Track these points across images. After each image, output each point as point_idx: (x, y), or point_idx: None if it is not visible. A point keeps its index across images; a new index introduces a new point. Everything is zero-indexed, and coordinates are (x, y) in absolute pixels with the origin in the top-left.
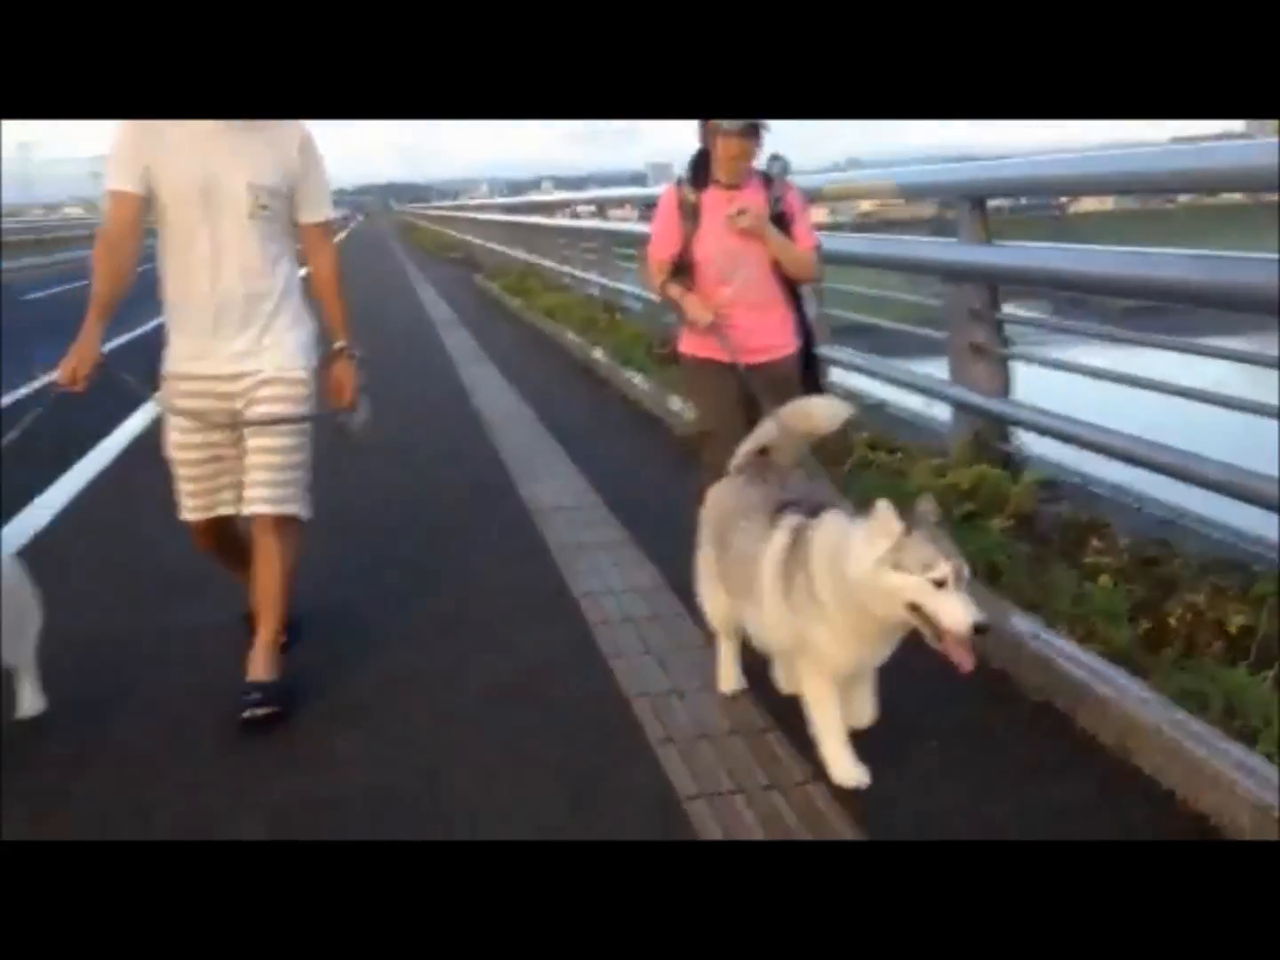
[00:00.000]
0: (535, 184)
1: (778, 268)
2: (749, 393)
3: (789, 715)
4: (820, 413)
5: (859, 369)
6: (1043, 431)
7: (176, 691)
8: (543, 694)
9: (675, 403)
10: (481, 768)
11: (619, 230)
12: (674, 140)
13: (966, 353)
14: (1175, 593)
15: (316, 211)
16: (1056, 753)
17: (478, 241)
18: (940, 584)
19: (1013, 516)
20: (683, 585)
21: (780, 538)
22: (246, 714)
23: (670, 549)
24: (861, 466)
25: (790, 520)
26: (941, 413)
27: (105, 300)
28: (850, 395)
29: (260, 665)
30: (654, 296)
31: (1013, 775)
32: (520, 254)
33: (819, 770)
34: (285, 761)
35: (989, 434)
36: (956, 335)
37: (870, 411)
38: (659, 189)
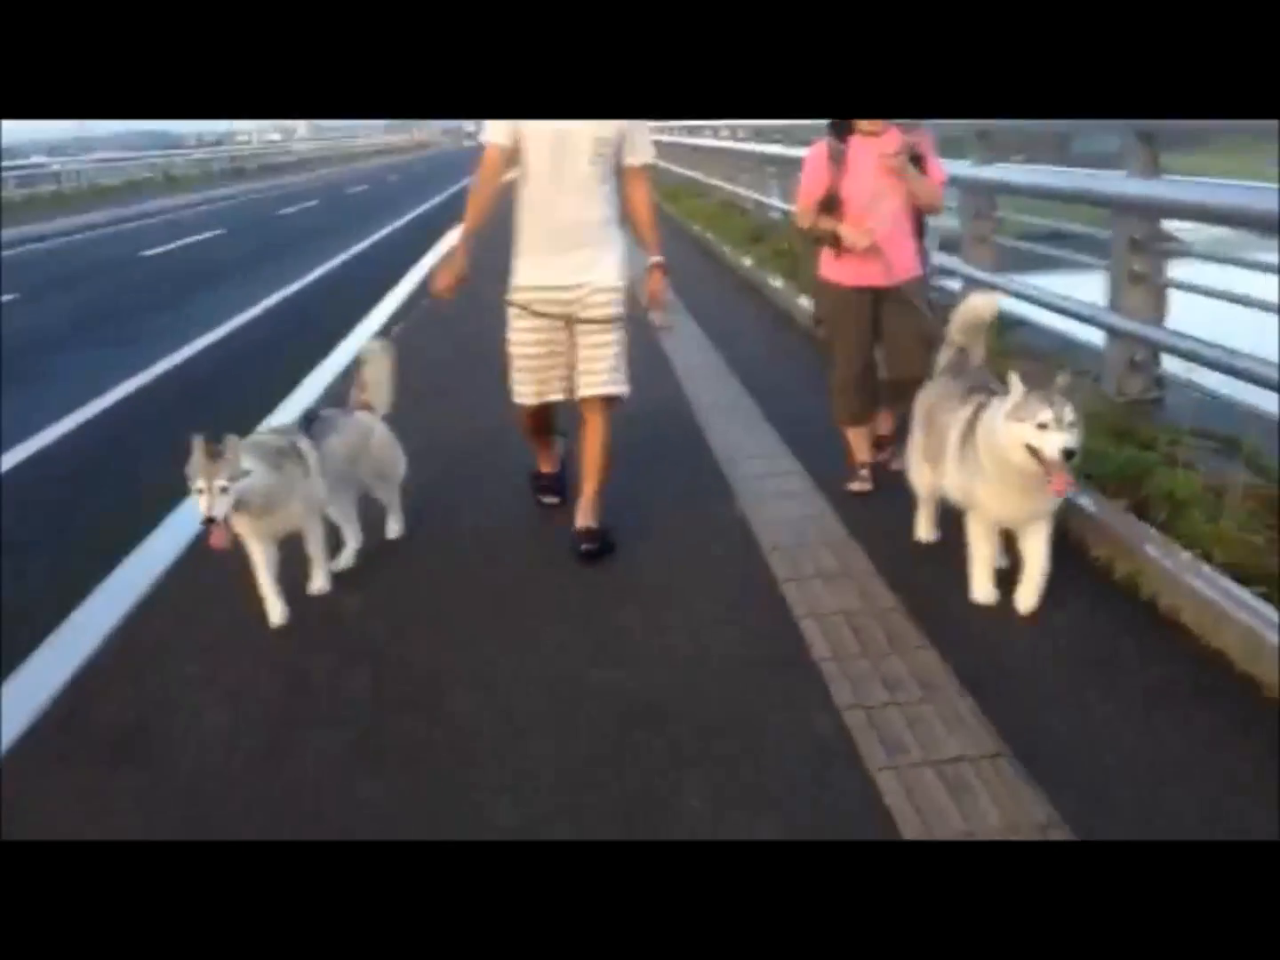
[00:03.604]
0: None
1: (910, 201)
2: (874, 315)
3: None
4: (982, 302)
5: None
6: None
7: (487, 521)
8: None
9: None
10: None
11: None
12: None
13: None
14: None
15: (638, 156)
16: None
17: None
18: (1043, 426)
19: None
20: None
21: (963, 414)
22: (584, 548)
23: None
24: None
25: (973, 402)
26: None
27: (473, 228)
28: None
29: (589, 514)
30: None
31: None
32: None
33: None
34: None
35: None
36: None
37: None
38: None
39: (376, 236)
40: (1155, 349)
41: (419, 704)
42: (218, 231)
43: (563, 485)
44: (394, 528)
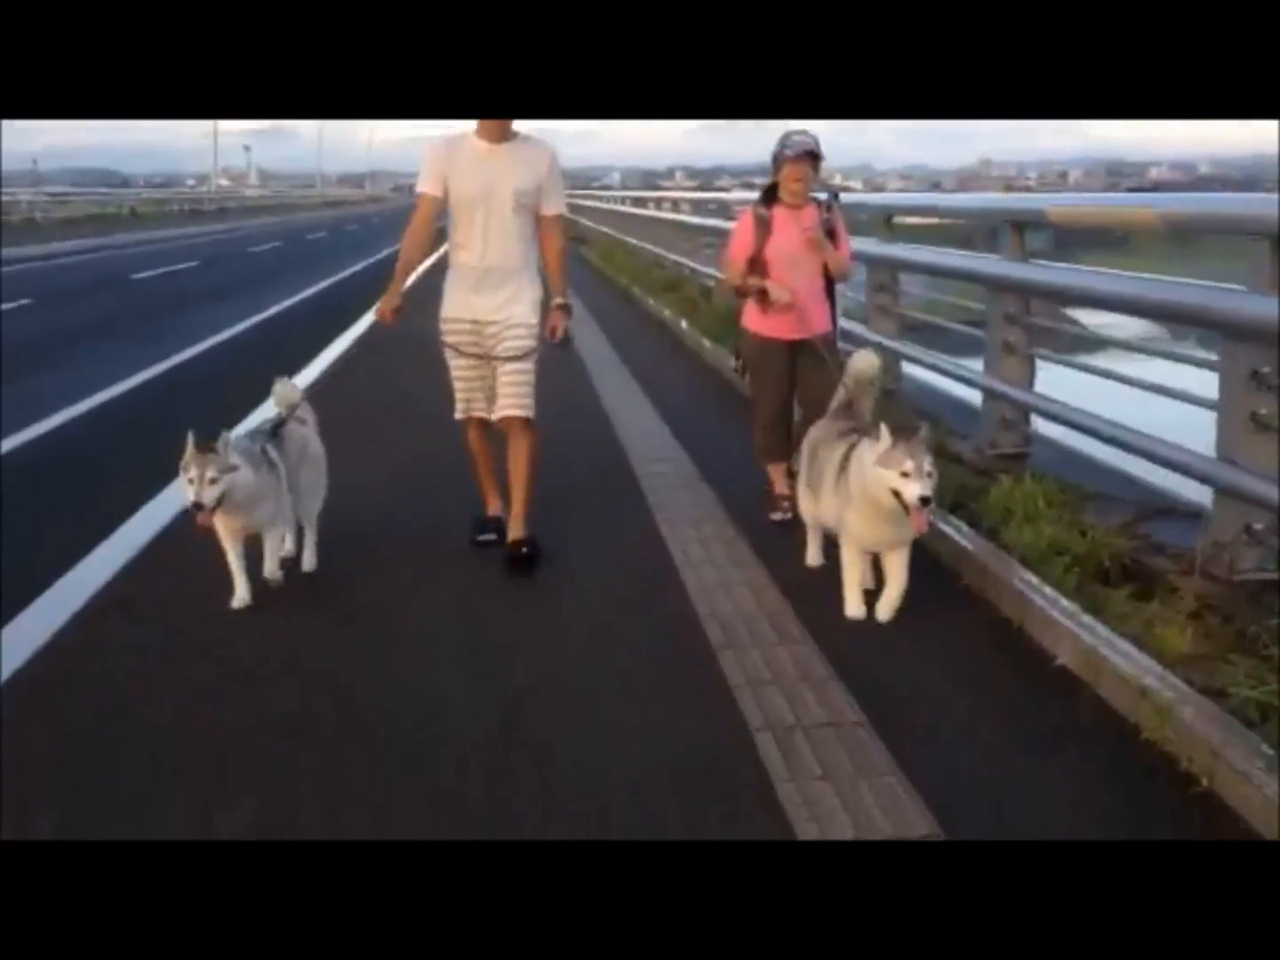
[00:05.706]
0: (668, 174)
1: (823, 268)
2: (792, 363)
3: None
4: (863, 360)
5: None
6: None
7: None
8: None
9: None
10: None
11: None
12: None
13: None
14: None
15: (553, 207)
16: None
17: (588, 224)
18: (906, 474)
19: None
20: None
21: (839, 451)
22: (514, 555)
23: None
24: None
25: (847, 440)
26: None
27: (408, 265)
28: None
29: (518, 527)
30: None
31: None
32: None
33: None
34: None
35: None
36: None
37: None
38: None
39: (345, 273)
40: (897, 355)
41: None
42: (194, 263)
43: (501, 529)
44: (309, 559)
